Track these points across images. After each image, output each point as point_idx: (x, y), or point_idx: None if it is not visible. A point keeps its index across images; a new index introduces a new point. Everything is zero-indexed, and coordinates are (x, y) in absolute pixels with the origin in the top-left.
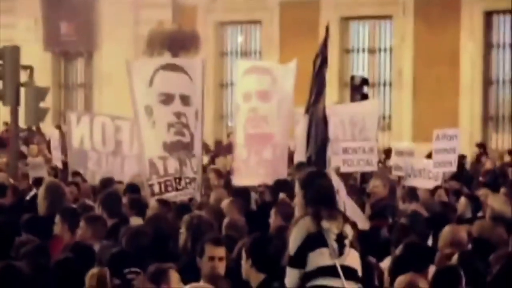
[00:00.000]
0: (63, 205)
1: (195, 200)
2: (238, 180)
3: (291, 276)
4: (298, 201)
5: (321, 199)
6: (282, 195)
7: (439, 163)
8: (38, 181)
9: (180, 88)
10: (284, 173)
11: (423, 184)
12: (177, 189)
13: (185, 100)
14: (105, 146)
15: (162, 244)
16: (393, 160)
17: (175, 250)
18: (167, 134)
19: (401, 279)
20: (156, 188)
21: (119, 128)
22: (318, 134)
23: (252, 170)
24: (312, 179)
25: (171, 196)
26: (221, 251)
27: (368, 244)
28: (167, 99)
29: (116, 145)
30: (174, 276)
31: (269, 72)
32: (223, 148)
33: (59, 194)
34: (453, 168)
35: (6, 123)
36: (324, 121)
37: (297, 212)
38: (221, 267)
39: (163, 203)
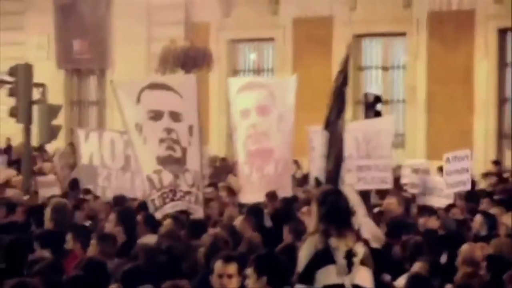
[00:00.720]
0: (68, 224)
1: (199, 215)
2: (243, 197)
3: None
4: (312, 218)
5: (334, 216)
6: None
7: (452, 184)
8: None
9: (169, 105)
10: (288, 188)
11: (436, 202)
12: (173, 200)
13: (174, 116)
14: (114, 161)
15: (176, 261)
16: (409, 178)
17: (189, 267)
18: (159, 149)
19: None
20: (156, 202)
21: (128, 143)
22: (335, 151)
23: (255, 186)
24: (327, 197)
25: (168, 207)
26: (230, 269)
27: (382, 261)
28: (156, 115)
29: (125, 161)
30: None
31: (266, 87)
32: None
33: (65, 213)
34: (467, 188)
35: (8, 139)
36: (341, 138)
37: (310, 229)
38: (231, 284)
39: (176, 219)
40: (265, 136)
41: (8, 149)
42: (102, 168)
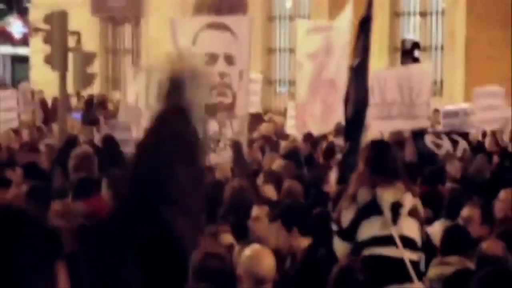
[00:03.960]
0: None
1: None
2: (303, 129)
3: (341, 248)
4: (359, 171)
5: (381, 167)
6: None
7: (481, 121)
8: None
9: (224, 48)
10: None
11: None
12: (214, 151)
13: (229, 59)
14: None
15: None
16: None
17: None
18: (208, 97)
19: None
20: None
21: None
22: (356, 97)
23: (319, 118)
24: (374, 148)
25: (208, 159)
26: (260, 212)
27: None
28: (210, 59)
29: None
30: (228, 239)
31: (331, 29)
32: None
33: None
34: (497, 126)
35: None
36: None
37: (354, 182)
38: (258, 227)
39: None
40: (329, 71)
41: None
42: (146, 108)
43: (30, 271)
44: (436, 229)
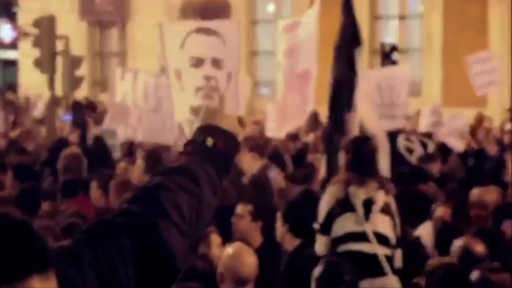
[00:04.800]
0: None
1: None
2: (285, 128)
3: (320, 242)
4: (341, 165)
5: (356, 164)
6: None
7: (481, 86)
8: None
9: (211, 52)
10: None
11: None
12: None
13: (216, 63)
14: (146, 102)
15: None
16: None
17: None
18: (195, 98)
19: (457, 244)
20: None
21: (159, 86)
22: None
23: (296, 112)
24: (351, 145)
25: None
26: (243, 209)
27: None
28: (197, 63)
29: (157, 102)
30: (215, 240)
31: (299, 24)
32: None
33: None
34: (496, 87)
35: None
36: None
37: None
38: (239, 224)
39: None
40: (300, 63)
41: None
42: (134, 108)
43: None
44: (426, 230)
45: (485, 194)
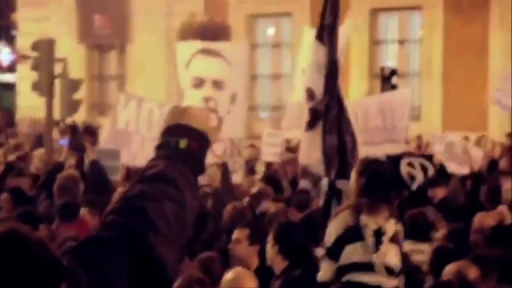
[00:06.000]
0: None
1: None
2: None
3: (326, 268)
4: (352, 188)
5: (368, 191)
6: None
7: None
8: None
9: (213, 73)
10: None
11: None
12: None
13: (216, 85)
14: (150, 131)
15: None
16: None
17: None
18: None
19: (450, 269)
20: None
21: (164, 114)
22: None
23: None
24: (365, 169)
25: None
26: (240, 234)
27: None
28: (198, 83)
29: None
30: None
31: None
32: None
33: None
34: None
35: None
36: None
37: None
38: (237, 250)
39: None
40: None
41: None
42: (137, 134)
43: None
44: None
45: (486, 219)
